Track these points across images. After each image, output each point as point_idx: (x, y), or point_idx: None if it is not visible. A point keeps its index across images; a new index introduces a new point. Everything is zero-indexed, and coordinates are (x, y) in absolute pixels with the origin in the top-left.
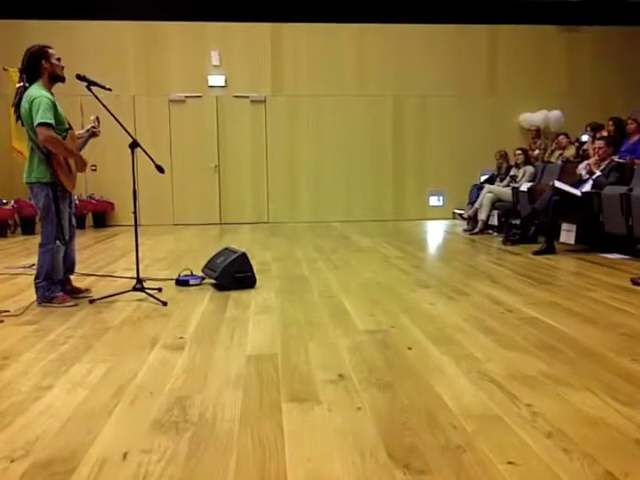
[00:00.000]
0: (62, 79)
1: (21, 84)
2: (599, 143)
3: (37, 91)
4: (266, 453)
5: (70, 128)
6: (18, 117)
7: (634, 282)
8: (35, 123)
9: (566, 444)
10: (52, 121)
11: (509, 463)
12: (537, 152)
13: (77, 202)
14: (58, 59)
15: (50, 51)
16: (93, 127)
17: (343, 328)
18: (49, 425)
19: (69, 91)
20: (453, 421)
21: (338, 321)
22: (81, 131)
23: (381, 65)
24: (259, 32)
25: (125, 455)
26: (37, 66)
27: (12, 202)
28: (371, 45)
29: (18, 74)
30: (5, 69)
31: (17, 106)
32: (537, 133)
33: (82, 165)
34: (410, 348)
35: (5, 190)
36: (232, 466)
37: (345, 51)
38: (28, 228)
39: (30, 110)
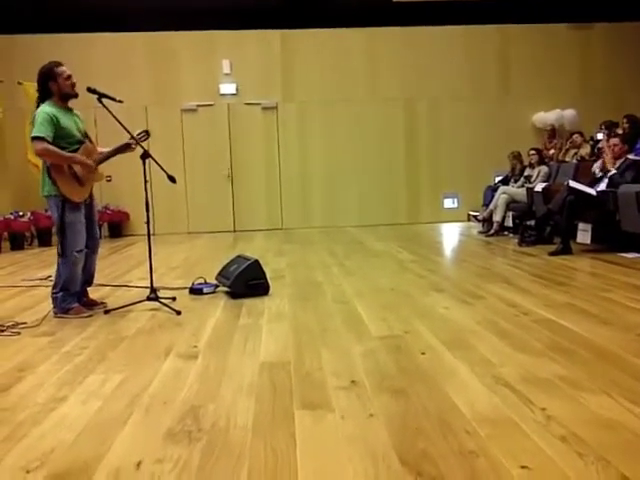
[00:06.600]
0: (73, 96)
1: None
2: (614, 140)
3: (41, 108)
4: (278, 461)
5: (86, 141)
6: None
7: None
8: (30, 137)
9: (581, 448)
10: (45, 134)
11: (523, 468)
12: (552, 152)
13: None
14: (68, 77)
15: (58, 70)
16: (129, 140)
17: (356, 334)
18: (64, 436)
19: (83, 104)
20: (466, 426)
21: (351, 327)
22: (107, 149)
23: (392, 68)
24: (269, 39)
25: (138, 465)
26: (46, 87)
27: (28, 214)
28: (381, 49)
29: (33, 88)
30: (20, 83)
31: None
32: (552, 132)
33: (95, 174)
34: (424, 353)
35: (21, 202)
36: (244, 475)
37: (355, 55)
38: (45, 240)
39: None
